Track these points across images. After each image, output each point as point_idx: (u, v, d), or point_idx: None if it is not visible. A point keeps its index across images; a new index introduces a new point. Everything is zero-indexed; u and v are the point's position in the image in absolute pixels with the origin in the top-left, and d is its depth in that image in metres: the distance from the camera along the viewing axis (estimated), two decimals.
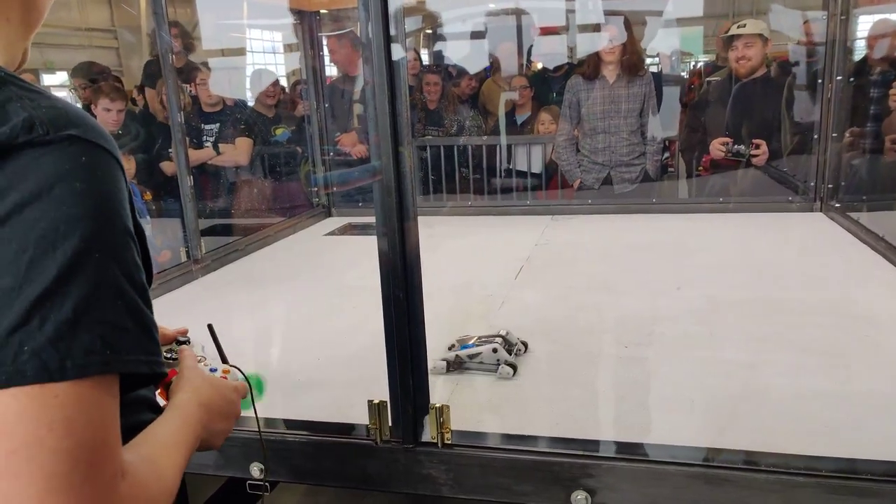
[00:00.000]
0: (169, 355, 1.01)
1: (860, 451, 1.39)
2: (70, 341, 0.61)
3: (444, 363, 1.86)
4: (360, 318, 2.35)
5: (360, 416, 1.54)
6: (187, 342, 1.07)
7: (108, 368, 0.64)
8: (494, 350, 1.84)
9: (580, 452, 1.43)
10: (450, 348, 1.93)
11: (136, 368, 0.67)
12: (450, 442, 1.48)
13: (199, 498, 1.98)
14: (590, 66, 3.93)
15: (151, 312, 0.72)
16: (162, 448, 0.78)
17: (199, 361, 1.04)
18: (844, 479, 1.30)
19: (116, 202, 0.68)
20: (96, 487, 0.61)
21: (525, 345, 1.96)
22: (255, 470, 1.54)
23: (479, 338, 1.92)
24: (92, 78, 4.26)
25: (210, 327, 1.19)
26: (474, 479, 1.46)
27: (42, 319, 0.60)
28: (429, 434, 1.48)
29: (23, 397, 0.59)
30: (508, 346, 1.90)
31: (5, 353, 0.60)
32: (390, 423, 1.50)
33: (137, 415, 0.84)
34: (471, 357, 1.86)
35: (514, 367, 1.83)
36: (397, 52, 1.34)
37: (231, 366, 1.11)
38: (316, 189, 4.25)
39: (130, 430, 0.75)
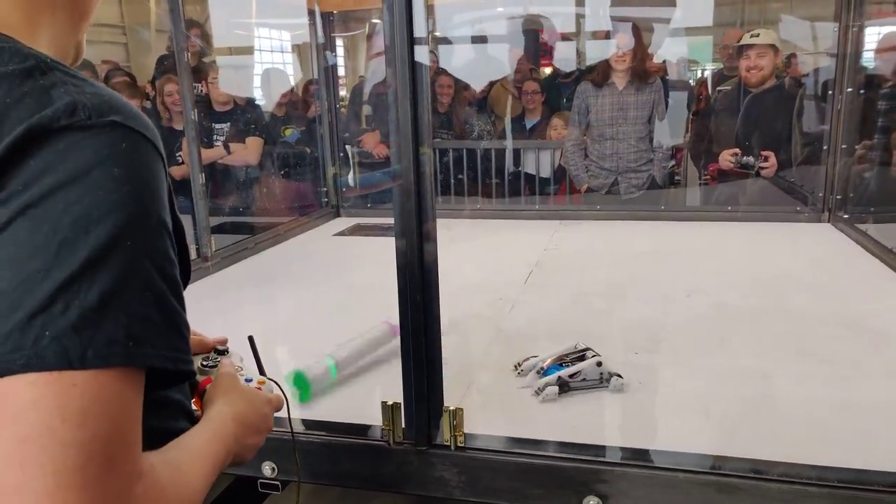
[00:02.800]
0: (206, 363, 0.99)
1: (871, 462, 1.39)
2: (94, 329, 0.59)
3: (556, 388, 1.73)
4: (371, 319, 2.35)
5: (373, 417, 1.55)
6: (226, 352, 1.04)
7: (130, 361, 0.61)
8: (599, 364, 1.75)
9: (592, 458, 1.44)
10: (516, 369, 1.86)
11: (160, 363, 0.64)
12: (463, 445, 1.48)
13: (209, 495, 1.99)
14: (599, 73, 3.94)
15: (184, 309, 0.70)
16: (190, 455, 0.75)
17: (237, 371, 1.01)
18: (856, 490, 1.31)
19: (154, 192, 0.66)
20: (110, 485, 0.58)
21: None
22: (268, 469, 1.55)
23: (561, 356, 1.82)
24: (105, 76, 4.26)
25: (251, 339, 1.16)
26: (486, 482, 1.47)
27: (66, 304, 0.58)
28: (442, 436, 1.49)
29: (40, 384, 0.57)
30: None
31: (26, 337, 0.57)
32: (404, 425, 1.50)
33: (172, 420, 0.81)
34: (572, 376, 1.76)
35: (620, 375, 1.76)
36: (420, 54, 1.35)
37: (268, 378, 1.07)
38: (325, 189, 4.26)
39: (163, 435, 0.73)
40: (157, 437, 0.68)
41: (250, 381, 1.01)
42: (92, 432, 0.57)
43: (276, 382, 1.07)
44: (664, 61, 4.25)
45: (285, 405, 1.09)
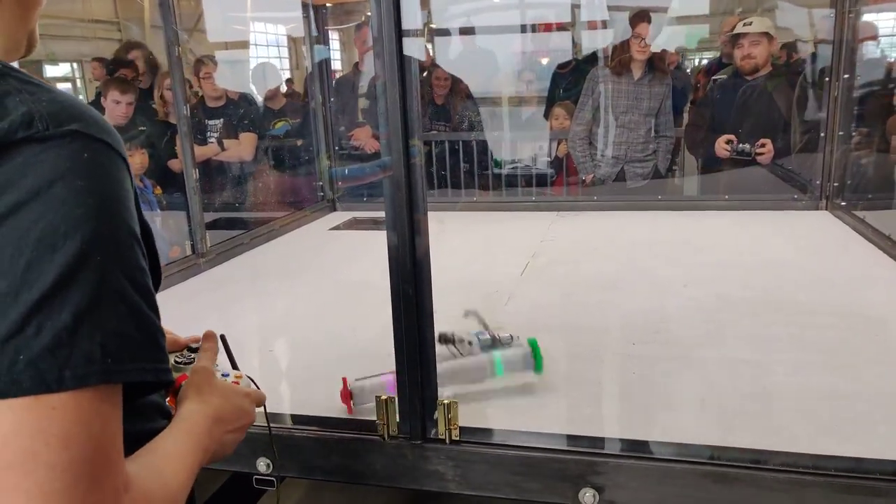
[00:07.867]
0: (180, 360, 0.98)
1: (869, 450, 1.39)
2: (69, 349, 0.58)
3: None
4: (367, 313, 2.34)
5: (368, 412, 1.53)
6: (199, 349, 1.03)
7: (108, 378, 0.61)
8: (469, 343, 1.80)
9: (588, 450, 1.43)
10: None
11: (139, 377, 0.64)
12: (457, 438, 1.47)
13: (205, 492, 1.98)
14: (619, 60, 3.92)
15: (158, 316, 0.69)
16: (167, 458, 0.75)
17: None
18: (854, 479, 1.30)
19: (120, 201, 0.65)
20: (97, 503, 0.59)
21: None
22: (262, 465, 1.54)
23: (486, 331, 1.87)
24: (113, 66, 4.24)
25: (223, 338, 1.14)
26: (482, 475, 1.46)
27: (39, 326, 0.58)
28: (437, 430, 1.48)
29: (18, 409, 0.57)
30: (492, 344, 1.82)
31: (0, 363, 0.57)
32: (398, 419, 1.49)
33: (150, 423, 0.81)
34: (460, 340, 1.80)
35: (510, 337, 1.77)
36: (409, 46, 1.33)
37: (244, 374, 1.06)
38: (321, 184, 4.24)
39: (142, 438, 0.73)
40: (135, 441, 0.68)
41: (227, 375, 1.00)
42: (75, 453, 0.58)
43: (251, 379, 1.05)
44: (663, 51, 4.22)
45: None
